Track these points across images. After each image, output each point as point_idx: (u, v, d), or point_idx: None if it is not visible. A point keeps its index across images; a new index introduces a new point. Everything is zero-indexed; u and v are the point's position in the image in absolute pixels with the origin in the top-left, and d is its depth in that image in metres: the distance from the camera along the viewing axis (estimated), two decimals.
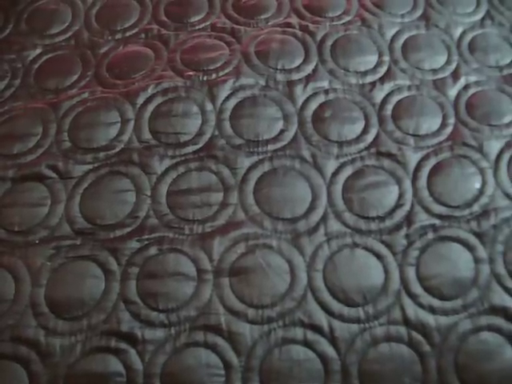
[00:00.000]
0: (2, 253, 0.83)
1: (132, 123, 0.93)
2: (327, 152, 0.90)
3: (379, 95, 0.95)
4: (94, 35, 1.05)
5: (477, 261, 0.81)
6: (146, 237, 0.84)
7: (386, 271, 0.81)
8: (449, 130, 0.92)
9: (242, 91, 0.95)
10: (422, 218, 0.85)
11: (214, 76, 0.97)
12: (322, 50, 1.00)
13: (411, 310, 0.79)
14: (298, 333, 0.78)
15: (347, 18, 1.04)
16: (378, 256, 0.82)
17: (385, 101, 0.95)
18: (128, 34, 1.04)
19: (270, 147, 0.90)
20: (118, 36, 1.04)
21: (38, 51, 1.03)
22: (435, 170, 0.88)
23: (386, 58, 0.99)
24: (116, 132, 0.92)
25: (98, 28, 1.06)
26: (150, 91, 0.96)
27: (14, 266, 0.82)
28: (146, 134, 0.92)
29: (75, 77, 0.99)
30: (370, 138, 0.91)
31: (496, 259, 0.81)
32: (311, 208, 0.85)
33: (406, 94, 0.95)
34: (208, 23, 1.05)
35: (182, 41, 1.02)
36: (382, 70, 0.98)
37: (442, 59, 0.99)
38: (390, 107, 0.94)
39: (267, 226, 0.84)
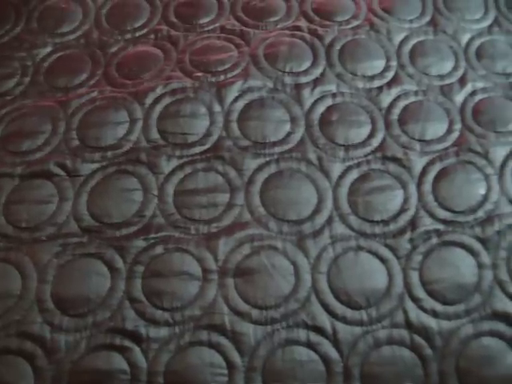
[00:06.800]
0: (9, 249, 0.84)
1: (140, 123, 0.94)
2: (333, 155, 0.90)
3: (386, 100, 0.96)
4: (103, 35, 1.05)
5: (480, 266, 0.82)
6: (152, 236, 0.84)
7: (390, 275, 0.82)
8: (455, 135, 0.92)
9: (250, 93, 0.96)
10: (427, 223, 0.85)
11: (222, 77, 0.98)
12: (330, 54, 1.00)
13: (414, 313, 0.79)
14: (302, 334, 0.78)
15: (356, 23, 1.05)
16: (382, 259, 0.83)
17: (391, 105, 0.95)
18: (138, 34, 1.05)
19: (277, 149, 0.91)
20: (128, 36, 1.05)
21: (49, 49, 1.04)
22: (440, 176, 0.89)
23: (394, 63, 1.00)
24: (124, 131, 0.93)
25: (108, 27, 1.06)
26: (158, 91, 0.96)
27: (21, 262, 0.83)
28: (154, 133, 0.93)
29: (85, 76, 1.00)
30: (376, 142, 0.92)
31: (499, 265, 0.82)
32: (316, 210, 0.86)
33: (412, 99, 0.96)
34: (217, 25, 1.05)
35: (192, 42, 1.03)
36: (390, 74, 0.99)
37: (450, 65, 1.00)
38: (396, 112, 0.95)
39: (272, 228, 0.85)
